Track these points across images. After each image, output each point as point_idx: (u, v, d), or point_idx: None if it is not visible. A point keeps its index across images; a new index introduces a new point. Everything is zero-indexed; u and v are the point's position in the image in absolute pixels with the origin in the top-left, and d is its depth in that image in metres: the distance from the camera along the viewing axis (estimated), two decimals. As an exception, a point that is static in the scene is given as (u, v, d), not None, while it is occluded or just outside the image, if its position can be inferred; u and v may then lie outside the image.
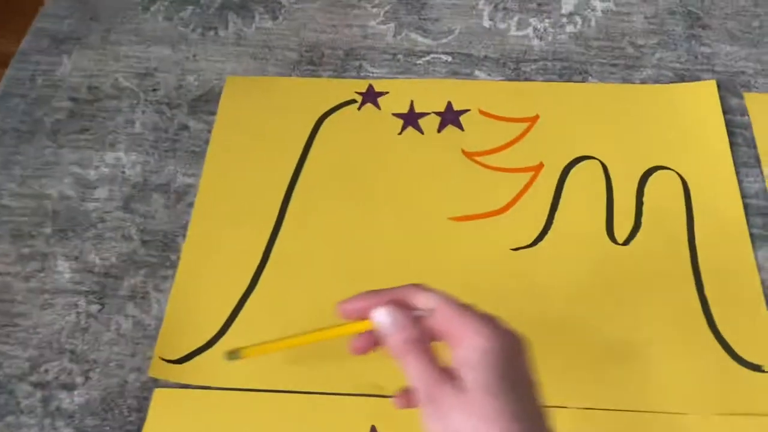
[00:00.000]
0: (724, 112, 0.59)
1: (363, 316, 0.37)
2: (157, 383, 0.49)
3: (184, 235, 0.55)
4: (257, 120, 0.61)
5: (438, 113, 0.61)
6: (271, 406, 0.48)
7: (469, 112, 0.61)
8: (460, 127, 0.60)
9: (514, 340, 0.34)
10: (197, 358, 0.50)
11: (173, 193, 0.58)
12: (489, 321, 0.34)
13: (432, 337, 0.35)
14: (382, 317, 0.35)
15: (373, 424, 0.47)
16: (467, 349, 0.33)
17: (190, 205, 0.57)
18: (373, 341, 0.38)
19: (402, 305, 0.36)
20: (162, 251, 0.55)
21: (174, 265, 0.54)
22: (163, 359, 0.50)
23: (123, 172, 0.59)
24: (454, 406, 0.32)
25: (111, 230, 0.56)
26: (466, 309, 0.34)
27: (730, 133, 0.58)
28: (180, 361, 0.50)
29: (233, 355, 0.41)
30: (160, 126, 0.62)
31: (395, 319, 0.35)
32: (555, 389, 0.47)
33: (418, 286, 0.36)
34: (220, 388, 0.49)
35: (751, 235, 0.53)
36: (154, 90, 0.64)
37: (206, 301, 0.52)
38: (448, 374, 0.33)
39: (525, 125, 0.60)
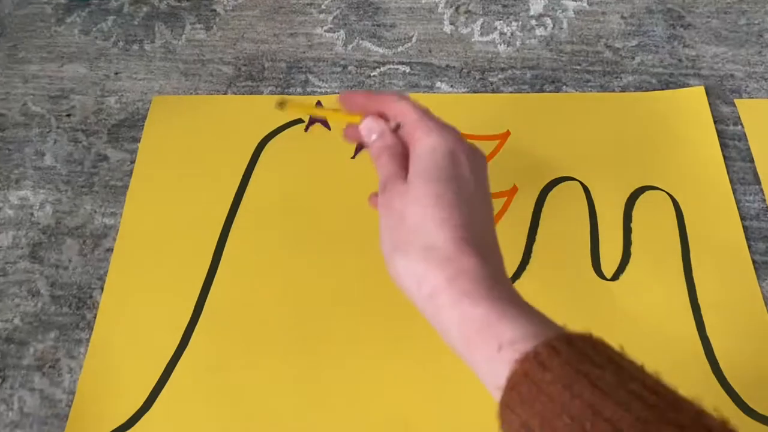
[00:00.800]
0: (715, 122, 0.53)
1: (362, 110, 0.41)
2: (68, 473, 0.41)
3: (102, 289, 0.47)
4: (188, 147, 0.53)
5: (396, 132, 0.53)
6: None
7: (431, 130, 0.53)
8: (422, 147, 0.53)
9: (468, 150, 0.37)
10: (117, 440, 0.42)
11: (90, 237, 0.49)
12: (446, 128, 0.37)
13: (404, 145, 0.38)
14: (367, 126, 0.40)
15: None
16: (417, 147, 0.36)
17: (110, 251, 0.49)
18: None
19: (383, 116, 0.40)
20: (76, 309, 0.47)
21: (90, 326, 0.46)
22: (75, 444, 0.41)
23: (30, 214, 0.50)
24: (399, 194, 0.35)
25: (14, 285, 0.47)
26: (429, 116, 0.38)
27: (723, 146, 0.52)
28: (95, 444, 0.42)
29: (282, 104, 0.44)
30: (74, 157, 0.53)
31: (379, 128, 0.39)
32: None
33: (395, 96, 0.39)
34: (145, 476, 0.41)
35: (754, 262, 0.47)
36: (69, 115, 0.55)
37: (127, 368, 0.44)
38: (402, 170, 0.36)
39: (495, 143, 0.53)
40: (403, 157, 0.37)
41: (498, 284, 0.33)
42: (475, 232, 0.34)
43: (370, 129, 0.39)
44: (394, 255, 0.35)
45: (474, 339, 0.31)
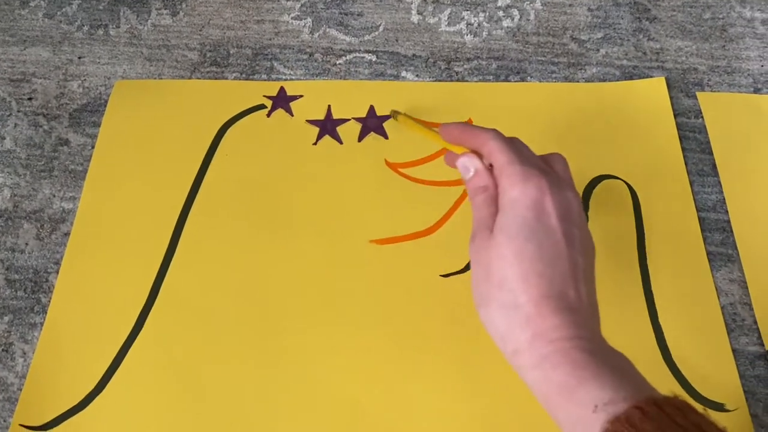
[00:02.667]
0: (676, 114, 0.53)
1: (458, 144, 0.42)
2: (18, 456, 0.41)
3: (57, 273, 0.47)
4: (149, 131, 0.53)
5: (359, 119, 0.53)
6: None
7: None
8: (384, 134, 0.53)
9: (558, 197, 0.36)
10: (68, 422, 0.41)
11: (47, 221, 0.49)
12: (533, 174, 0.36)
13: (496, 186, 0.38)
14: (464, 163, 0.40)
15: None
16: (503, 197, 0.36)
17: (68, 235, 0.48)
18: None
19: (480, 155, 0.39)
20: (31, 293, 0.46)
21: (45, 310, 0.46)
22: (25, 426, 0.41)
23: (-12, 197, 0.50)
24: (485, 247, 0.36)
25: (-31, 268, 0.47)
26: (518, 158, 0.37)
27: (683, 138, 0.52)
28: (46, 426, 0.41)
29: (395, 113, 0.49)
30: (34, 141, 0.53)
31: (474, 167, 0.39)
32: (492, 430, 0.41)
33: (490, 134, 0.39)
34: (94, 459, 0.41)
35: (709, 253, 0.47)
36: (30, 99, 0.55)
37: (80, 350, 0.44)
38: (493, 218, 0.36)
39: (457, 132, 0.53)
40: (495, 199, 0.37)
41: (583, 341, 0.33)
42: (560, 287, 0.34)
43: (467, 166, 0.39)
44: (480, 308, 0.36)
45: (556, 399, 0.32)
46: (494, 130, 0.40)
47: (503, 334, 0.34)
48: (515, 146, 0.38)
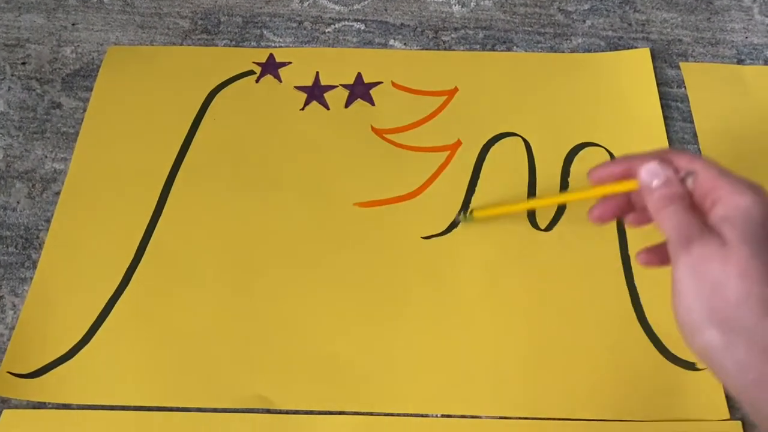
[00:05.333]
0: (660, 84, 0.54)
1: (617, 179, 0.37)
2: (6, 403, 0.42)
3: (48, 231, 0.48)
4: (140, 95, 0.54)
5: (346, 86, 0.54)
6: (142, 428, 0.41)
7: (381, 85, 0.54)
8: (371, 101, 0.54)
9: None
10: (54, 371, 0.43)
11: (39, 180, 0.50)
12: (752, 186, 0.33)
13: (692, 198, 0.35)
14: (651, 171, 0.35)
15: (258, 442, 0.41)
16: (728, 207, 0.32)
17: (58, 194, 0.49)
18: (618, 207, 0.39)
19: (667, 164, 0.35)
20: (22, 249, 0.48)
21: (35, 265, 0.47)
22: (12, 374, 0.42)
23: (-19, 157, 0.51)
24: (713, 258, 0.31)
25: (-38, 224, 0.48)
26: (729, 172, 0.34)
27: (666, 107, 0.53)
28: (33, 375, 0.43)
29: (466, 216, 0.46)
30: (27, 104, 0.54)
31: (665, 173, 0.35)
32: (468, 395, 0.42)
33: (677, 150, 0.37)
34: (80, 407, 0.42)
35: (686, 217, 0.48)
36: (24, 63, 0.56)
37: (68, 304, 0.45)
38: (708, 228, 0.32)
39: (442, 99, 0.54)
40: (693, 208, 0.34)
41: None
42: None
43: (654, 173, 0.35)
44: (707, 329, 0.31)
45: None
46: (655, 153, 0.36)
47: (742, 362, 0.30)
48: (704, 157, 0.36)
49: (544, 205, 0.47)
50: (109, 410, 0.42)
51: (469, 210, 0.47)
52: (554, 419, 0.41)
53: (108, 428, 0.41)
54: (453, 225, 0.47)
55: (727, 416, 0.41)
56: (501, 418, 0.41)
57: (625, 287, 0.45)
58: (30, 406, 0.42)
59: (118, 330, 0.44)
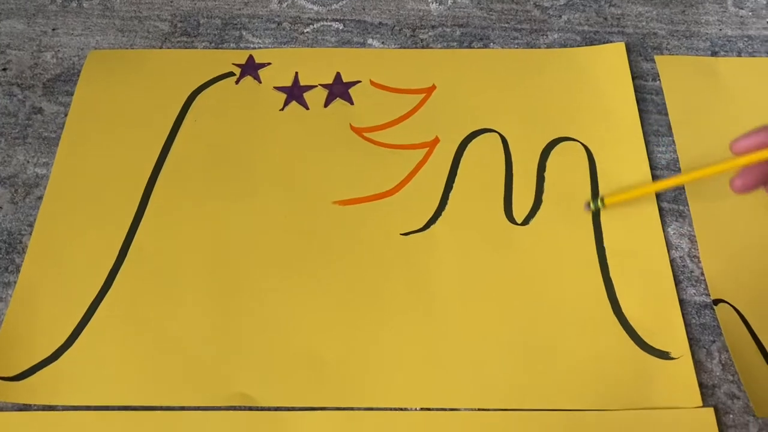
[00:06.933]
0: (635, 77, 0.55)
1: (760, 148, 0.40)
2: (-8, 406, 0.43)
3: (31, 235, 0.48)
4: (120, 99, 0.54)
5: (325, 86, 0.55)
6: (127, 427, 0.42)
7: (359, 84, 0.55)
8: (350, 100, 0.54)
9: None
10: (40, 373, 0.43)
11: (22, 186, 0.51)
12: None
13: None
14: None
15: (241, 440, 0.41)
16: None
17: (41, 198, 0.50)
18: (762, 175, 0.41)
19: None
20: (6, 253, 0.48)
21: (19, 269, 0.47)
22: (-2, 377, 0.43)
23: (-36, 164, 0.52)
24: None
25: (-54, 230, 0.49)
26: None
27: (641, 99, 0.54)
28: (18, 377, 0.43)
29: (598, 203, 0.47)
30: (9, 110, 0.54)
31: None
32: (447, 389, 0.42)
33: None
34: (66, 408, 0.42)
35: (661, 209, 0.49)
36: (4, 70, 0.56)
37: (52, 306, 0.45)
38: None
39: (420, 96, 0.54)
40: None
41: None
42: None
43: None
44: None
45: None
46: None
47: None
48: None
49: (675, 184, 0.47)
50: (95, 410, 0.42)
51: (600, 197, 0.48)
52: (531, 410, 0.42)
53: (93, 428, 0.42)
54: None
55: (700, 403, 0.41)
56: (479, 410, 0.42)
57: (601, 280, 0.46)
58: (15, 409, 0.42)
59: (102, 331, 0.45)
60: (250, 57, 0.56)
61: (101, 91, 0.55)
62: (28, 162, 0.52)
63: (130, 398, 0.42)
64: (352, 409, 0.42)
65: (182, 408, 0.42)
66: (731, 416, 0.41)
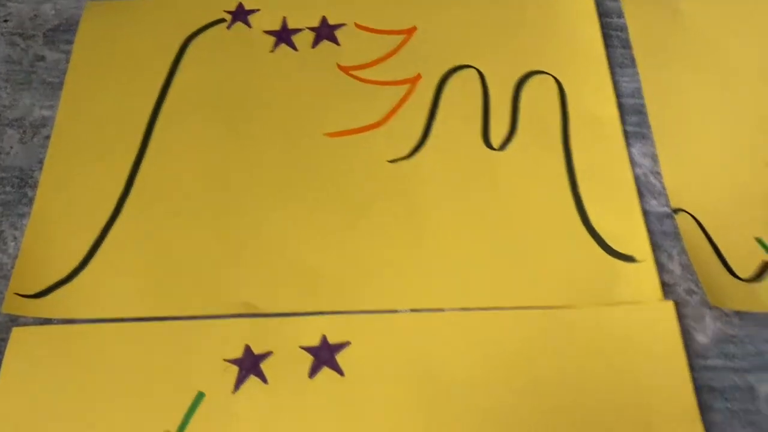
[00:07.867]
0: (601, 15, 0.59)
1: None
2: (15, 322, 0.46)
3: (41, 170, 0.52)
4: (118, 47, 0.57)
5: (312, 29, 0.58)
6: (140, 336, 0.46)
7: (345, 27, 0.58)
8: (336, 42, 0.58)
9: None
10: (58, 291, 0.47)
11: (29, 127, 0.54)
12: None
13: None
14: None
15: (247, 343, 0.45)
16: None
17: (48, 138, 0.53)
18: None
19: None
20: (18, 188, 0.51)
21: (32, 202, 0.51)
22: (20, 294, 0.47)
23: (-27, 108, 0.55)
24: None
25: (-40, 168, 0.52)
26: None
27: (607, 36, 0.58)
28: (39, 295, 0.47)
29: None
30: (13, 58, 0.57)
31: None
32: (433, 291, 0.47)
33: None
34: (84, 321, 0.46)
35: (626, 132, 0.53)
36: (6, 21, 0.59)
37: (66, 233, 0.49)
38: None
39: (402, 37, 0.58)
40: None
41: None
42: None
43: None
44: None
45: None
46: None
47: None
48: None
49: None
50: (110, 323, 0.46)
51: None
52: (509, 308, 0.46)
53: (109, 338, 0.45)
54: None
55: (661, 297, 0.46)
56: (462, 309, 0.46)
57: (571, 195, 0.50)
58: (37, 323, 0.46)
59: (114, 253, 0.48)
60: (240, 4, 0.60)
61: (100, 39, 0.58)
62: (34, 105, 0.55)
63: (144, 311, 0.46)
64: (347, 312, 0.46)
65: (191, 317, 0.46)
66: (689, 309, 0.46)
